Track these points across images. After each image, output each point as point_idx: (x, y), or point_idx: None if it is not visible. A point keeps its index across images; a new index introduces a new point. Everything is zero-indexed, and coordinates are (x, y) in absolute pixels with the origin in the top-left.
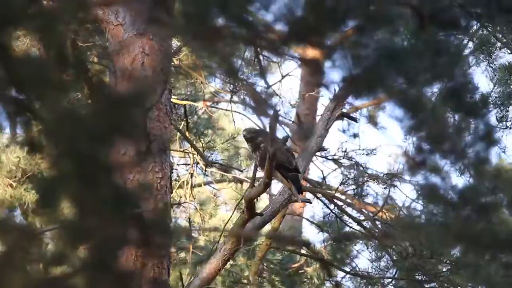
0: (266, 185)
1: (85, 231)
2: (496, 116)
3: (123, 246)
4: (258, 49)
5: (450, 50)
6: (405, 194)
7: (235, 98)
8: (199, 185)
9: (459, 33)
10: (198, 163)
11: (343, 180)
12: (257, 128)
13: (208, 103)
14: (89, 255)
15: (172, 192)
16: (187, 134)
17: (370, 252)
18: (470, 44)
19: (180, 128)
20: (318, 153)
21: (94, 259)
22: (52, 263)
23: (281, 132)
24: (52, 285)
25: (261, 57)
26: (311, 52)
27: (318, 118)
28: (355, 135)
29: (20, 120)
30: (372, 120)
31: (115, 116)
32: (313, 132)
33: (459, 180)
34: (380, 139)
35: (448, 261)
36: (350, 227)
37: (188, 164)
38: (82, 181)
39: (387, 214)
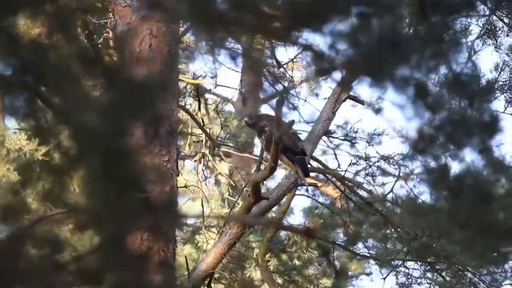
0: (272, 169)
1: (96, 214)
2: (506, 101)
3: (133, 229)
4: (259, 34)
5: (454, 35)
6: (415, 175)
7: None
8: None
9: (463, 18)
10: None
11: (352, 160)
12: (259, 113)
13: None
14: (100, 238)
15: (178, 175)
16: (199, 114)
17: (379, 234)
18: (477, 30)
19: (192, 108)
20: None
21: (105, 241)
22: (60, 247)
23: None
24: (61, 269)
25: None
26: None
27: (325, 101)
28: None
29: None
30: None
31: (129, 101)
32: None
33: (461, 167)
34: (384, 125)
35: (457, 242)
36: (360, 208)
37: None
38: (95, 164)
39: (397, 195)
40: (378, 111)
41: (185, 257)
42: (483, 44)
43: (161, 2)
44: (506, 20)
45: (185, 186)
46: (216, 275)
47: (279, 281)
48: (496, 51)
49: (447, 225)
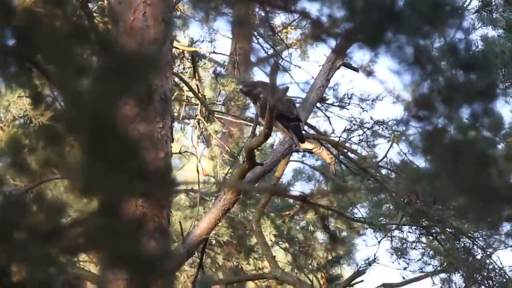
0: (267, 135)
1: (92, 179)
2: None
3: (127, 196)
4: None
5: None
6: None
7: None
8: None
9: None
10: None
11: (346, 127)
12: (253, 80)
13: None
14: (97, 203)
15: (173, 142)
16: (194, 81)
17: (373, 199)
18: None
19: (187, 75)
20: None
21: (102, 206)
22: (57, 212)
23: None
24: (58, 234)
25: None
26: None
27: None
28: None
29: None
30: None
31: (122, 72)
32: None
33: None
34: (378, 89)
35: (451, 207)
36: (355, 174)
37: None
38: (90, 132)
39: (391, 161)
40: (370, 73)
41: (180, 222)
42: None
43: None
44: None
45: (180, 152)
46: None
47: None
48: (492, 26)
49: (443, 190)
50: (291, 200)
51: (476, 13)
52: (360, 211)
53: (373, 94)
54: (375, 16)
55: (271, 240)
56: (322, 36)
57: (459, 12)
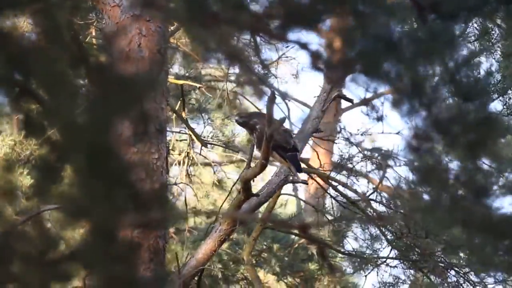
0: (263, 166)
1: (86, 210)
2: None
3: (122, 225)
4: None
5: (449, 36)
6: (400, 174)
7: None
8: (196, 165)
9: (460, 23)
10: (194, 142)
11: (338, 160)
12: (249, 111)
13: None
14: (90, 234)
15: (168, 173)
16: (183, 114)
17: (364, 232)
18: (471, 33)
19: (177, 107)
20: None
21: (95, 237)
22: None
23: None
24: (51, 267)
25: (258, 40)
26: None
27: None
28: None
29: (19, 102)
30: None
31: (116, 98)
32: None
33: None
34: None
35: (443, 241)
36: (345, 207)
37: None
38: (84, 161)
39: (382, 194)
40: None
41: (176, 253)
42: (480, 49)
43: (155, 1)
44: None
45: (175, 184)
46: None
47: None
48: (491, 54)
49: (438, 222)
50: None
51: (476, 41)
52: (350, 244)
53: (366, 125)
54: (373, 47)
55: (275, 273)
56: (320, 67)
57: (458, 42)
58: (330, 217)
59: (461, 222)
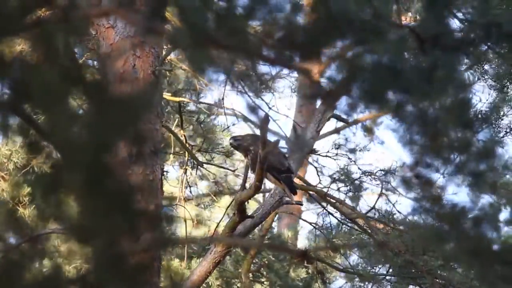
0: (257, 188)
1: (90, 231)
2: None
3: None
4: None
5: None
6: (398, 191)
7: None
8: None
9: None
10: (190, 162)
11: (335, 177)
12: (243, 134)
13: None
14: (96, 254)
15: (163, 194)
16: (181, 132)
17: (362, 249)
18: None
19: (174, 125)
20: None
21: (98, 258)
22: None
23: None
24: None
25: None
26: (309, 63)
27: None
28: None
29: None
30: (369, 131)
31: (112, 118)
32: (308, 144)
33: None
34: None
35: (440, 257)
36: (343, 224)
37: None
38: (85, 182)
39: (380, 211)
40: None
41: (170, 275)
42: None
43: (156, 27)
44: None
45: (170, 205)
46: None
47: None
48: (483, 78)
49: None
50: None
51: (469, 70)
52: (348, 261)
53: (362, 144)
54: (376, 76)
55: None
56: (321, 95)
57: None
58: (327, 233)
59: (465, 254)
